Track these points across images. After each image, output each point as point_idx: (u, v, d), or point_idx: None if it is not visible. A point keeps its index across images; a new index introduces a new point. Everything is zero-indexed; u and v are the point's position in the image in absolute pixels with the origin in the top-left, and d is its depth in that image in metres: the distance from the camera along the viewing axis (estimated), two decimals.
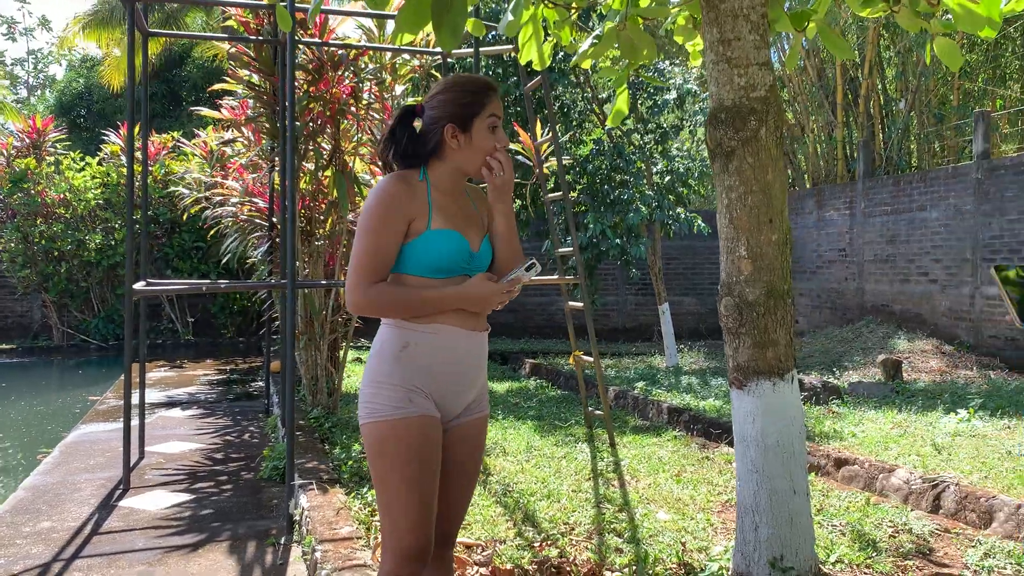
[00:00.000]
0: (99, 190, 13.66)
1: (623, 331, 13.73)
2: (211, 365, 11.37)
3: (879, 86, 14.63)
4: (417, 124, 2.26)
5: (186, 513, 4.58)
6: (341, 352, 7.29)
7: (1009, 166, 9.54)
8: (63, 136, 14.91)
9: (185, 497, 4.89)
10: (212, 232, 9.64)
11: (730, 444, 5.83)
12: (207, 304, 14.11)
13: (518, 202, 11.88)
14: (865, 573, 3.33)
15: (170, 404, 8.17)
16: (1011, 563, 3.56)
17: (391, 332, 2.20)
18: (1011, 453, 5.09)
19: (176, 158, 13.41)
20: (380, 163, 2.35)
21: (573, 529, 3.91)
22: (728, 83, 2.96)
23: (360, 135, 6.86)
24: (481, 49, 5.88)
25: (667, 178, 10.40)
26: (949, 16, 3.59)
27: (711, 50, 3.00)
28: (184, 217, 10.99)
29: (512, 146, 6.80)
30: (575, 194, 10.57)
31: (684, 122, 11.02)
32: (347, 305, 2.17)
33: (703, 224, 10.33)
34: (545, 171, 6.34)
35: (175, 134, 14.10)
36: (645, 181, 10.37)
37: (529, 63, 4.25)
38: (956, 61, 3.85)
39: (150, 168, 11.73)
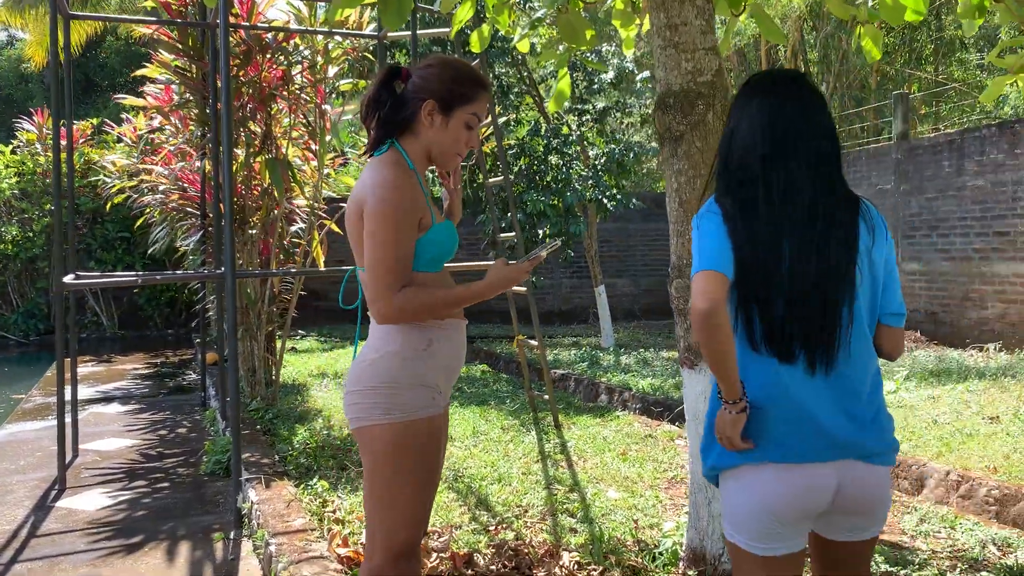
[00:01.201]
0: (14, 179, 13.08)
1: (558, 314, 13.83)
2: (141, 359, 11.06)
3: (802, 69, 14.99)
4: (398, 87, 2.16)
5: (127, 512, 4.46)
6: (278, 343, 7.17)
7: (927, 146, 9.91)
8: None
9: (125, 495, 4.76)
10: (139, 222, 9.34)
11: (672, 422, 5.95)
12: (134, 296, 13.68)
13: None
14: None
15: (102, 400, 7.92)
16: (945, 527, 3.74)
17: (410, 331, 2.09)
18: (937, 422, 5.32)
19: (96, 145, 12.93)
20: (364, 129, 2.19)
21: (526, 511, 3.95)
22: (676, 68, 3.00)
23: (292, 119, 6.73)
24: (419, 31, 5.82)
25: (603, 159, 10.48)
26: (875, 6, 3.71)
27: (658, 35, 3.04)
28: (108, 207, 10.62)
29: None
30: (511, 176, 10.57)
31: (620, 102, 11.11)
32: (375, 316, 2.06)
33: (637, 202, 10.47)
34: (484, 150, 6.31)
35: (94, 120, 13.58)
36: (582, 162, 10.43)
37: (467, 44, 4.22)
38: (876, 53, 3.97)
39: None
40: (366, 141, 2.20)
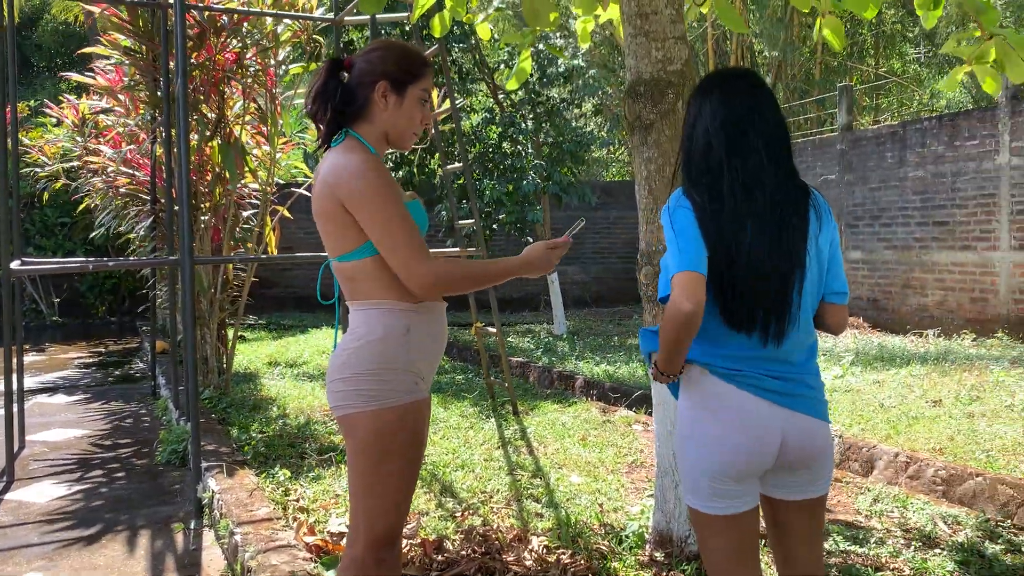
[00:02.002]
0: None
1: (510, 301, 13.85)
2: (84, 347, 10.77)
3: (748, 60, 15.23)
4: (343, 78, 2.15)
5: (81, 503, 4.36)
6: (229, 331, 7.06)
7: (871, 137, 10.17)
8: None
9: (77, 487, 4.65)
10: (81, 207, 9.06)
11: (629, 407, 6.03)
12: (75, 283, 13.30)
13: (406, 169, 11.76)
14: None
15: (46, 390, 7.71)
16: (897, 506, 3.87)
17: (388, 316, 2.07)
18: (883, 405, 5.50)
19: (33, 128, 12.51)
20: (312, 122, 2.18)
21: (492, 497, 3.97)
22: (646, 56, 3.03)
23: (246, 103, 6.60)
24: (378, 16, 5.75)
25: (556, 150, 10.53)
26: None
27: (629, 23, 3.06)
28: (43, 196, 10.28)
29: None
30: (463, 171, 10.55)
31: (573, 95, 11.16)
32: (412, 287, 2.02)
33: (591, 195, 10.52)
34: (443, 129, 6.28)
35: (31, 102, 13.13)
36: (535, 151, 10.46)
37: (425, 29, 4.20)
38: (840, 41, 4.07)
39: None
40: (316, 144, 2.18)
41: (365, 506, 2.09)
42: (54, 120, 10.98)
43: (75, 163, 8.36)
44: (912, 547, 3.34)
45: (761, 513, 2.08)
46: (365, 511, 2.09)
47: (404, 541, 3.27)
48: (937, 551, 3.31)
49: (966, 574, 3.09)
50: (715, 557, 2.01)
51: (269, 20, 6.43)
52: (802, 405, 1.95)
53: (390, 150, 2.25)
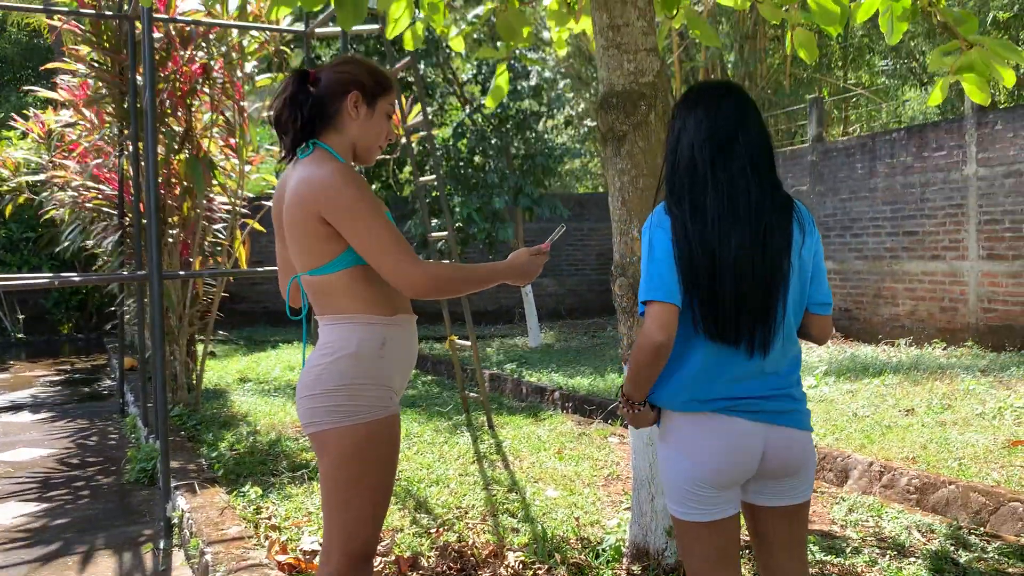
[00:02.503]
0: None
1: (484, 313, 13.81)
2: (50, 365, 10.57)
3: (718, 72, 15.36)
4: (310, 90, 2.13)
5: (46, 523, 4.25)
6: (199, 347, 6.96)
7: (841, 148, 10.28)
8: None
9: (42, 506, 4.53)
10: (45, 218, 8.90)
11: (604, 420, 6.01)
12: (40, 300, 13.07)
13: (377, 183, 11.70)
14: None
15: (10, 408, 7.54)
16: (872, 515, 3.87)
17: (366, 330, 2.04)
18: (857, 415, 5.53)
19: None
20: (276, 133, 2.16)
21: (467, 512, 3.92)
22: (618, 68, 3.03)
23: (214, 116, 6.53)
24: (349, 29, 5.72)
25: (527, 163, 10.53)
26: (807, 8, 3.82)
27: (601, 35, 3.06)
28: (8, 211, 10.09)
29: None
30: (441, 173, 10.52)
31: (543, 107, 11.19)
32: (405, 289, 2.00)
33: (563, 208, 10.54)
34: (404, 140, 6.22)
35: None
36: (506, 165, 10.46)
37: (398, 42, 4.18)
38: (812, 53, 4.10)
39: None
40: (280, 155, 2.16)
41: (340, 522, 2.05)
42: (19, 133, 10.82)
43: (40, 177, 8.23)
44: (887, 556, 3.34)
45: (744, 523, 2.09)
46: (340, 527, 2.05)
47: (378, 559, 3.22)
48: (912, 559, 3.31)
49: None
50: (696, 564, 2.01)
51: (236, 32, 6.37)
52: (785, 419, 1.97)
53: (354, 164, 2.23)
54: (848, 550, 3.39)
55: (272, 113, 2.14)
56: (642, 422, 2.06)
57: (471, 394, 6.35)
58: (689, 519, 1.98)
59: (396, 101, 2.24)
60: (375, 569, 3.11)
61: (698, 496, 1.95)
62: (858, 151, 10.00)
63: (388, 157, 7.24)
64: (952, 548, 3.41)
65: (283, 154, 2.15)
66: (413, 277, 1.98)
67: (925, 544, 3.50)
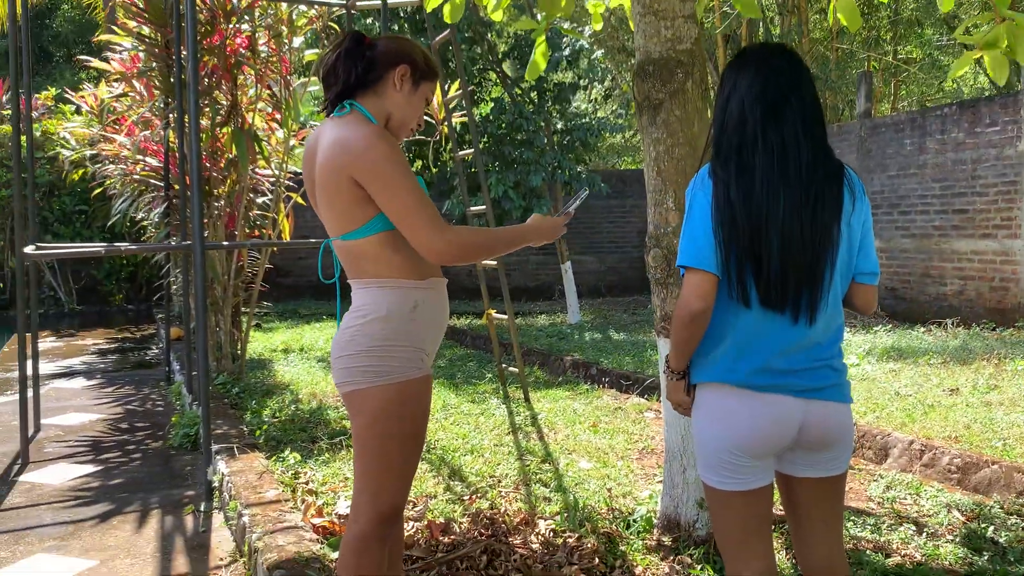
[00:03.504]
0: None
1: (525, 290, 13.84)
2: (101, 334, 10.86)
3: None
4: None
5: (94, 485, 4.39)
6: (244, 318, 7.09)
7: (890, 124, 10.05)
8: None
9: (91, 469, 4.68)
10: (97, 192, 9.11)
11: (641, 395, 6.00)
12: (92, 270, 13.40)
13: (419, 162, 11.74)
14: (780, 510, 3.50)
15: (63, 375, 7.78)
16: (910, 493, 3.82)
17: (397, 293, 2.08)
18: (899, 394, 5.44)
19: (53, 116, 12.59)
20: (322, 85, 2.20)
21: (500, 481, 3.96)
22: (655, 35, 2.99)
23: (259, 89, 6.60)
24: (389, 1, 5.73)
25: (567, 137, 10.46)
26: None
27: (638, 2, 3.02)
28: (67, 180, 10.37)
29: None
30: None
31: (580, 80, 11.08)
32: (429, 256, 2.02)
33: (603, 185, 10.46)
34: (446, 128, 6.24)
35: (52, 91, 13.22)
36: (545, 140, 10.40)
37: (437, 16, 4.18)
38: (855, 21, 4.00)
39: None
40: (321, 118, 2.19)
41: (369, 480, 2.10)
42: (73, 108, 11.07)
43: (91, 151, 8.42)
44: (924, 534, 3.30)
45: (778, 494, 2.08)
46: (369, 486, 2.09)
47: (411, 523, 3.27)
48: (949, 538, 3.27)
49: (979, 561, 3.05)
50: (727, 533, 2.00)
51: (284, 5, 6.42)
52: (825, 394, 1.94)
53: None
54: (884, 527, 3.36)
55: (323, 65, 2.17)
56: (676, 393, 2.05)
57: (508, 367, 6.38)
58: (722, 487, 1.97)
59: (434, 91, 2.28)
60: (407, 533, 3.16)
61: (732, 464, 1.93)
62: (907, 126, 9.76)
63: (428, 139, 7.24)
64: (992, 528, 3.36)
65: (322, 108, 2.19)
66: (438, 244, 2.00)
67: (964, 523, 3.45)
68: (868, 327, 8.83)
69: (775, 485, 2.05)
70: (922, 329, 8.67)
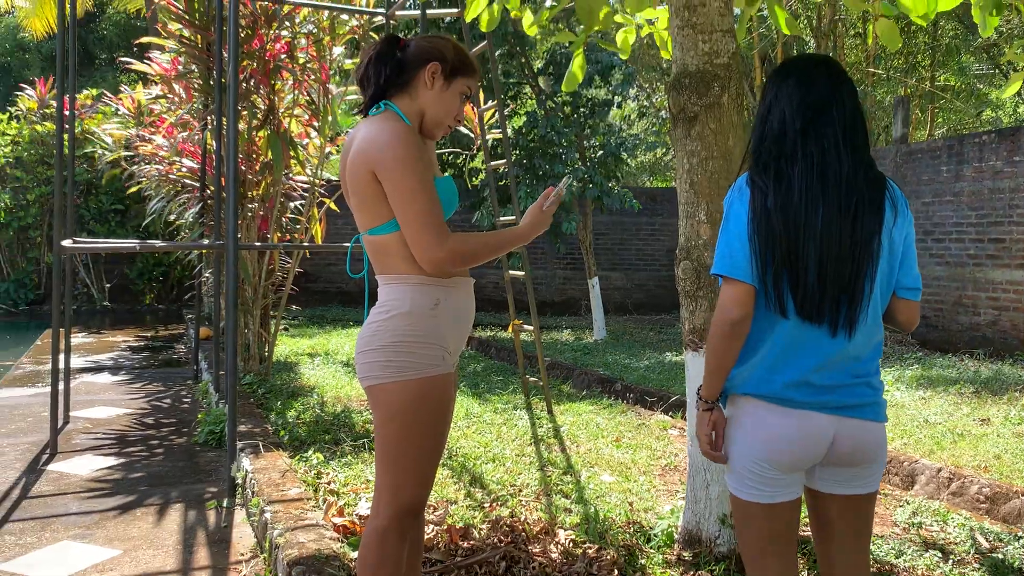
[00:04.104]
0: (8, 148, 12.99)
1: (551, 304, 13.83)
2: (131, 332, 11.00)
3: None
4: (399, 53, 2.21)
5: (119, 476, 4.45)
6: (273, 319, 7.15)
7: (925, 150, 9.95)
8: None
9: (117, 461, 4.74)
10: (132, 191, 9.26)
11: (665, 412, 5.97)
12: (125, 270, 13.61)
13: (450, 171, 11.80)
14: (805, 530, 3.46)
15: (93, 369, 7.89)
16: (937, 520, 3.76)
17: (419, 290, 2.10)
18: (928, 421, 5.36)
19: (93, 116, 12.85)
20: (358, 87, 2.24)
21: (521, 491, 3.95)
22: (692, 48, 3.00)
23: (297, 95, 6.69)
24: (428, 11, 5.79)
25: (599, 152, 10.46)
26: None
27: (676, 16, 3.03)
28: (104, 179, 10.57)
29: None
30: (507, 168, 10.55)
31: (614, 96, 11.09)
32: (426, 264, 2.05)
33: (635, 201, 10.44)
34: (487, 139, 6.30)
35: (93, 91, 13.49)
36: (578, 155, 10.42)
37: (473, 27, 4.22)
38: (895, 42, 3.98)
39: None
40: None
41: (390, 477, 2.11)
42: (113, 109, 11.27)
43: (128, 153, 8.57)
44: (950, 561, 3.24)
45: (805, 511, 2.05)
46: (390, 482, 2.11)
47: (431, 527, 3.27)
48: (975, 566, 3.21)
49: None
50: (750, 545, 1.98)
51: (324, 14, 6.51)
52: (860, 412, 1.91)
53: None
54: (909, 552, 3.30)
55: (358, 70, 2.22)
56: (703, 426, 1.99)
57: (532, 379, 6.37)
58: (749, 499, 1.95)
59: (474, 87, 2.26)
60: (427, 536, 3.16)
61: (761, 477, 1.91)
62: (944, 153, 9.66)
63: (463, 152, 7.27)
64: (1021, 558, 3.29)
65: (361, 108, 2.23)
66: (436, 253, 2.03)
67: (991, 552, 3.39)
68: (899, 355, 8.71)
69: (803, 500, 2.02)
70: (954, 358, 8.54)
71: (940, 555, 3.31)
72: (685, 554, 3.16)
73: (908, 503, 4.02)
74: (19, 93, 13.61)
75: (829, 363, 1.88)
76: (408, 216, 2.03)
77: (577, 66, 4.08)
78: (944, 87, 16.02)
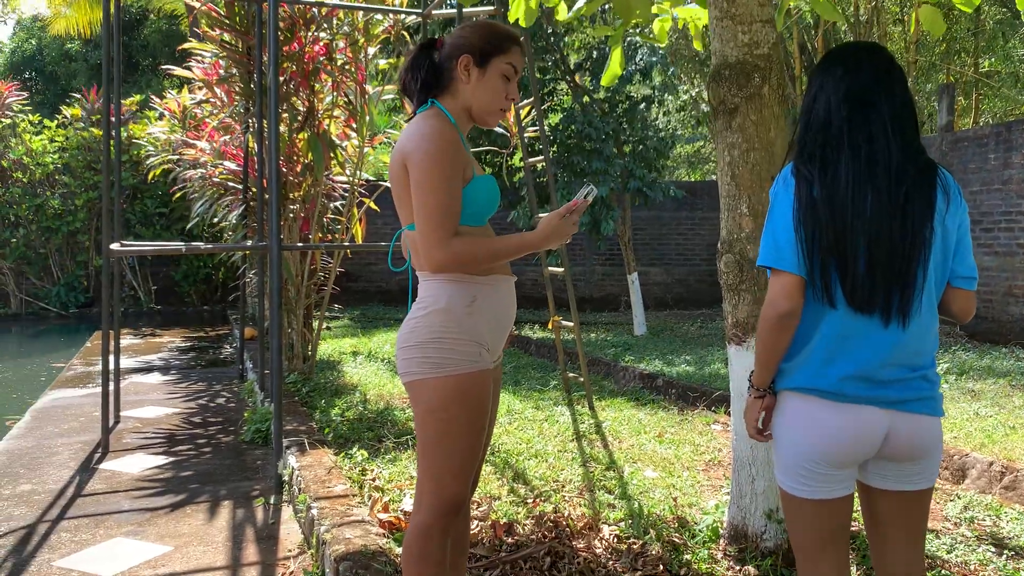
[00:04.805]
0: (57, 154, 13.31)
1: (590, 301, 13.79)
2: (178, 333, 11.21)
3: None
4: (435, 56, 2.22)
5: (169, 475, 4.54)
6: (316, 319, 7.23)
7: (972, 138, 9.74)
8: (24, 99, 14.45)
9: (166, 460, 4.83)
10: (178, 195, 9.44)
11: (707, 407, 5.93)
12: (170, 272, 13.86)
13: (488, 169, 11.83)
14: (854, 523, 3.41)
15: (142, 370, 8.05)
16: (989, 514, 3.69)
17: (456, 287, 2.11)
18: (979, 414, 5.25)
19: (139, 122, 13.10)
20: (403, 95, 2.25)
21: (564, 486, 3.95)
22: (732, 40, 2.97)
23: (335, 96, 6.75)
24: (465, 9, 5.81)
25: (639, 147, 10.40)
26: None
27: (715, 6, 3.01)
28: (150, 178, 10.78)
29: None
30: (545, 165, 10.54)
31: (655, 92, 11.04)
32: (429, 265, 2.06)
33: (677, 191, 10.37)
34: (524, 137, 6.30)
35: (138, 97, 13.76)
36: (616, 150, 10.37)
37: (513, 22, 4.22)
38: (939, 27, 3.90)
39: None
40: (404, 122, 2.24)
41: (431, 473, 2.12)
42: (158, 114, 11.48)
43: (173, 156, 8.73)
44: (1004, 555, 3.18)
45: (859, 506, 2.02)
46: (431, 478, 2.12)
47: (475, 522, 3.29)
48: None
49: None
50: (801, 541, 1.96)
51: (359, 15, 6.56)
52: (916, 406, 1.87)
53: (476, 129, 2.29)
54: (960, 547, 3.24)
55: (399, 78, 2.25)
56: (754, 411, 1.99)
57: (572, 375, 6.37)
58: (799, 495, 1.92)
59: (518, 63, 2.20)
60: (472, 532, 3.18)
61: (812, 472, 1.89)
62: (991, 140, 9.45)
63: (500, 151, 7.26)
64: None
65: (411, 116, 2.25)
66: (439, 255, 2.03)
67: None
68: (948, 347, 8.55)
69: (856, 496, 1.99)
70: (1004, 350, 8.35)
71: (994, 549, 3.24)
72: (731, 549, 3.14)
73: (959, 497, 3.95)
74: (71, 100, 13.93)
75: (885, 355, 1.85)
76: (420, 212, 2.04)
77: (616, 61, 4.06)
78: (988, 73, 15.66)
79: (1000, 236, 9.35)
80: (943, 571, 3.01)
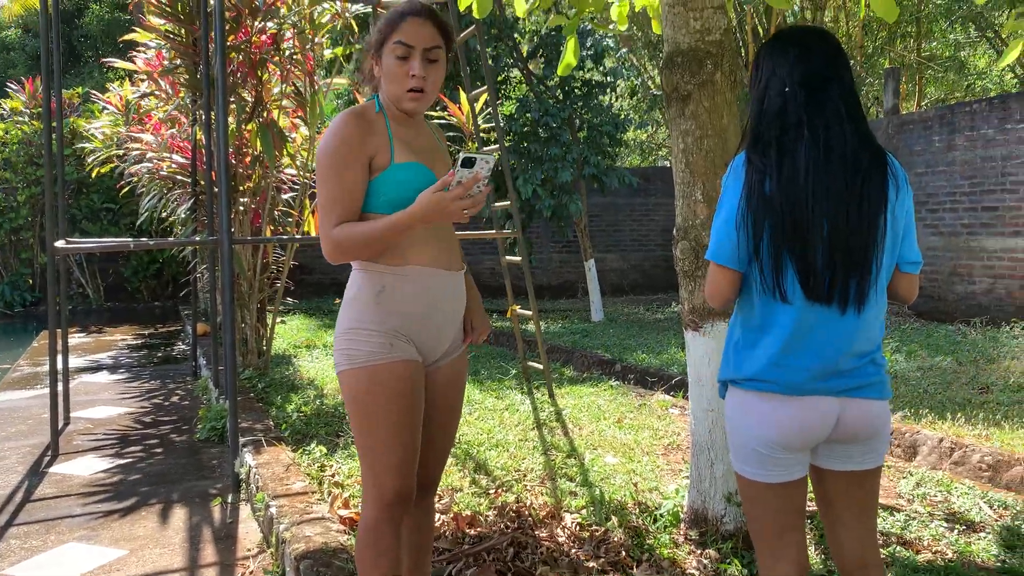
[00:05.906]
0: None
1: (548, 288, 13.81)
2: (128, 330, 10.97)
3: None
4: None
5: (122, 477, 4.44)
6: (269, 313, 7.13)
7: (917, 121, 9.93)
8: None
9: (119, 461, 4.73)
10: (125, 191, 9.22)
11: (666, 391, 5.98)
12: (119, 268, 13.56)
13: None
14: (810, 503, 3.47)
15: (92, 369, 7.87)
16: (940, 490, 3.78)
17: (364, 277, 2.12)
18: (928, 392, 5.38)
19: (82, 115, 12.76)
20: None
21: (526, 476, 3.95)
22: (684, 26, 2.98)
23: (284, 87, 6.64)
24: None
25: (593, 133, 10.42)
26: None
27: None
28: (94, 175, 10.51)
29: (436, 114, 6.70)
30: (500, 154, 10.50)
31: (605, 77, 11.03)
32: (325, 254, 2.08)
33: (633, 178, 10.42)
34: (477, 128, 6.26)
35: (79, 89, 13.39)
36: (570, 137, 10.37)
37: (465, 11, 4.18)
38: (892, 12, 3.95)
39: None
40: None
41: (366, 467, 2.13)
42: (100, 107, 11.19)
43: (118, 151, 8.51)
44: (956, 530, 3.26)
45: (811, 487, 2.05)
46: (368, 472, 2.13)
47: (438, 515, 3.27)
48: (982, 535, 3.22)
49: (1012, 558, 3.00)
50: (760, 525, 1.99)
51: (306, 2, 6.45)
52: (864, 391, 1.90)
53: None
54: (914, 523, 3.32)
55: None
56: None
57: (532, 363, 6.37)
58: (755, 479, 1.95)
59: (408, 36, 2.08)
60: (432, 511, 3.15)
61: (767, 457, 1.91)
62: (936, 123, 9.65)
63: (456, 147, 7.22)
64: None
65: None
66: (324, 246, 2.08)
67: (997, 520, 3.40)
68: (896, 327, 8.73)
69: (808, 478, 2.02)
70: (951, 328, 8.57)
71: (946, 524, 3.32)
72: (691, 533, 3.17)
73: (911, 474, 4.04)
74: (5, 93, 13.51)
75: (843, 345, 1.87)
76: (319, 207, 2.09)
77: (571, 51, 4.05)
78: (931, 57, 15.98)
79: (945, 217, 9.57)
80: (897, 548, 3.07)
